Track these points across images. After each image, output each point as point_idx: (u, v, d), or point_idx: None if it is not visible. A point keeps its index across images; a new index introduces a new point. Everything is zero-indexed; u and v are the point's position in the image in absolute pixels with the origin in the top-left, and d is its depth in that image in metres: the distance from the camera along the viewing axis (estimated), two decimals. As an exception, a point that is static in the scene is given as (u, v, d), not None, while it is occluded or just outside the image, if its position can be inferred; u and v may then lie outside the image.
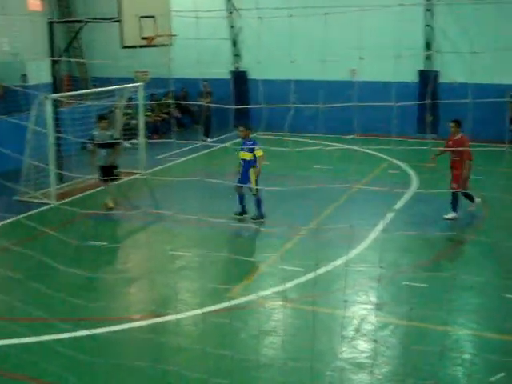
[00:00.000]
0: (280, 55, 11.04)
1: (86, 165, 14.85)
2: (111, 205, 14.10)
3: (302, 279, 9.82)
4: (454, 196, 12.63)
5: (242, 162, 13.01)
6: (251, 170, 12.86)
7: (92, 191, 15.40)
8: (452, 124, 12.78)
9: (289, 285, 9.59)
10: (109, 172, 14.00)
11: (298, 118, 12.57)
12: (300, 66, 11.13)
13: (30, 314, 8.35)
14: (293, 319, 8.97)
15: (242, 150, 13.07)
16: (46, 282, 8.52)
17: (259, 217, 12.71)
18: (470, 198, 13.03)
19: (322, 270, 10.03)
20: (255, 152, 12.86)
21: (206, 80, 22.04)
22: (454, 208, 12.70)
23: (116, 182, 14.65)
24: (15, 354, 7.75)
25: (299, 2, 8.03)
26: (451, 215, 12.70)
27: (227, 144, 18.69)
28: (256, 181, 12.84)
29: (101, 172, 14.24)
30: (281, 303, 9.19)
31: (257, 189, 12.68)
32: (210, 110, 22.01)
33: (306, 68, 13.80)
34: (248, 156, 12.94)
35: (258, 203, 12.88)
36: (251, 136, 13.27)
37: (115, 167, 14.41)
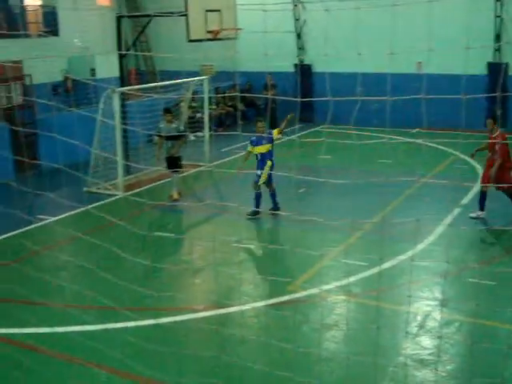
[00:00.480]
0: (345, 48, 11.00)
1: (152, 157, 15.11)
2: (176, 196, 14.35)
3: (366, 273, 9.75)
4: (482, 194, 12.24)
5: (258, 156, 13.00)
6: (268, 164, 12.83)
7: (158, 183, 15.68)
8: (489, 121, 12.30)
9: (352, 279, 9.53)
10: (173, 163, 14.28)
11: (363, 112, 12.44)
12: (365, 59, 11.05)
13: (98, 302, 8.57)
14: (356, 313, 8.92)
15: (259, 144, 13.00)
16: (114, 271, 8.71)
17: (255, 213, 12.72)
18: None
19: (386, 265, 9.93)
20: (274, 133, 13.08)
21: (270, 73, 22.08)
22: (482, 207, 12.27)
23: (180, 174, 14.90)
24: (82, 340, 7.96)
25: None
26: (477, 213, 12.28)
27: (294, 136, 18.64)
28: (266, 176, 12.84)
29: (167, 163, 14.54)
30: (344, 297, 9.16)
31: (259, 185, 12.73)
32: (275, 103, 22.06)
33: (371, 61, 13.64)
34: (266, 148, 12.95)
35: (257, 199, 12.89)
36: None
37: (179, 159, 14.69)
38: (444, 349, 7.78)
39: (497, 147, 11.76)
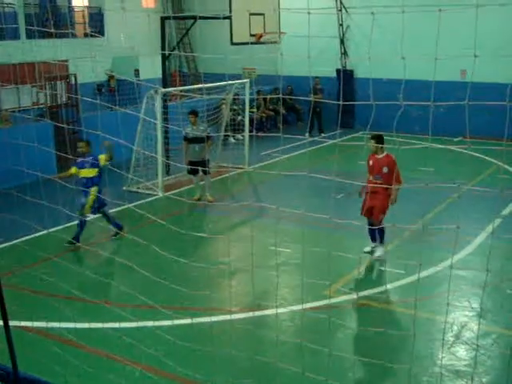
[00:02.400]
0: (388, 54, 10.95)
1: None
2: (210, 198, 14.41)
3: (403, 281, 9.68)
4: None
5: (84, 181, 11.76)
6: (93, 189, 11.74)
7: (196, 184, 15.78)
8: None
9: (389, 286, 9.48)
10: (201, 166, 14.26)
11: (404, 119, 12.38)
12: (408, 65, 10.96)
13: (135, 299, 8.67)
14: (391, 321, 8.86)
15: (83, 167, 11.78)
16: (152, 269, 8.80)
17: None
18: None
19: (424, 273, 9.85)
20: (100, 159, 11.70)
21: (317, 77, 22.10)
22: None
23: (209, 178, 14.86)
24: (118, 337, 8.07)
25: None
26: None
27: (336, 141, 18.59)
28: (94, 200, 11.79)
29: (190, 166, 14.59)
30: (380, 304, 9.11)
31: (84, 212, 11.77)
32: (320, 107, 22.08)
33: (414, 67, 13.53)
34: (91, 173, 11.75)
35: (81, 226, 11.82)
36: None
37: (206, 162, 14.65)
38: (480, 360, 7.69)
39: None
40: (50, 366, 7.32)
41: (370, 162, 11.02)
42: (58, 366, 7.29)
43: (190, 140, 14.49)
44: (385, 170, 10.70)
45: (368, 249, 11.06)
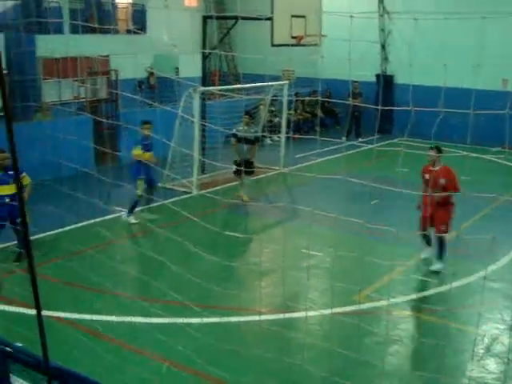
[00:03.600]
0: (429, 60, 10.86)
1: (228, 158, 15.28)
2: (246, 198, 14.48)
3: (435, 290, 9.59)
4: None
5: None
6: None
7: (232, 184, 15.83)
8: None
9: (420, 295, 9.40)
10: (245, 166, 14.36)
11: (443, 126, 12.22)
12: (449, 73, 10.86)
13: (165, 295, 8.74)
14: (421, 330, 8.78)
15: (3, 183, 10.42)
16: (184, 266, 8.86)
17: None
18: None
19: (456, 283, 9.74)
20: (23, 179, 10.36)
21: (356, 81, 22.01)
22: None
23: (250, 178, 15.01)
24: (147, 332, 8.15)
25: (454, 6, 7.84)
26: None
27: (373, 146, 18.48)
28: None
29: (237, 166, 14.64)
30: (410, 312, 9.03)
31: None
32: (359, 111, 21.98)
33: (455, 75, 13.42)
34: (10, 190, 10.35)
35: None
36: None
37: (252, 163, 14.79)
38: (511, 375, 7.57)
39: None
40: (79, 356, 7.42)
41: (426, 176, 10.80)
42: (87, 358, 7.39)
43: (240, 139, 14.67)
44: (442, 181, 10.52)
45: (425, 255, 10.89)
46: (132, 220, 12.72)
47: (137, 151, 12.57)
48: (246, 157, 14.72)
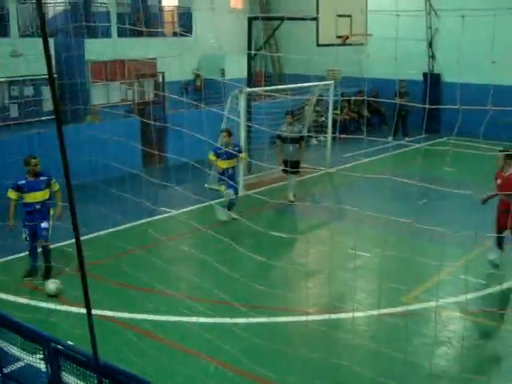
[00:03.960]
0: (478, 58, 10.69)
1: (274, 158, 15.30)
2: (292, 198, 14.49)
3: (485, 292, 9.44)
4: None
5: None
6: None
7: (277, 184, 15.85)
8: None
9: (469, 296, 9.24)
10: (292, 167, 14.36)
11: (492, 125, 12.00)
12: (498, 71, 10.67)
13: (213, 295, 8.81)
14: (470, 332, 8.65)
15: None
16: (231, 266, 8.92)
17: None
18: None
19: (506, 285, 9.56)
20: (53, 185, 10.37)
21: (403, 80, 21.79)
22: None
23: (297, 178, 15.01)
24: (195, 331, 8.22)
25: (503, 1, 7.69)
26: None
27: (421, 145, 18.26)
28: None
29: (284, 166, 14.69)
30: (459, 314, 8.90)
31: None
32: (405, 110, 21.75)
33: (504, 73, 13.19)
34: (40, 196, 10.29)
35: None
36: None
37: (298, 162, 14.78)
38: None
39: None
40: (128, 355, 7.53)
41: (498, 181, 10.63)
42: (136, 356, 7.49)
43: (284, 139, 14.69)
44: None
45: (493, 257, 10.68)
46: (223, 217, 13.15)
47: (211, 156, 13.41)
48: (293, 157, 14.66)
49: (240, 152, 13.61)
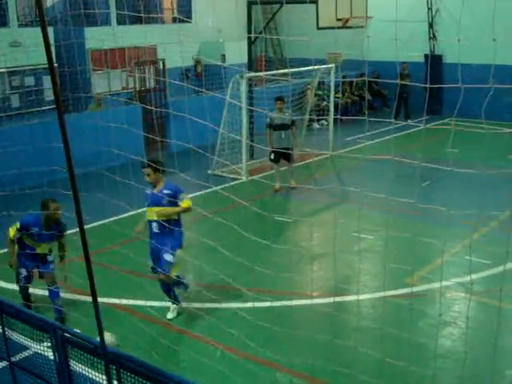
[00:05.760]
0: (478, 38, 10.65)
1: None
2: (294, 184, 14.38)
3: (489, 272, 9.46)
4: None
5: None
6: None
7: (281, 169, 15.83)
8: None
9: (474, 276, 9.27)
10: (283, 154, 14.15)
11: (494, 106, 11.95)
12: (500, 50, 10.64)
13: (218, 280, 8.85)
14: (475, 312, 8.68)
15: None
16: (236, 251, 8.93)
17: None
18: None
19: (511, 265, 9.57)
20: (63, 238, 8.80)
21: (405, 62, 21.71)
22: None
23: (291, 165, 14.76)
24: (201, 316, 8.26)
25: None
26: None
27: (422, 126, 18.24)
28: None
29: (273, 154, 14.40)
30: (464, 294, 8.93)
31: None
32: (407, 93, 21.69)
33: (506, 52, 13.12)
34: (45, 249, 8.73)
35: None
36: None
37: (290, 149, 14.46)
38: None
39: None
40: (135, 341, 7.58)
41: None
42: (143, 342, 7.55)
43: (276, 127, 14.36)
44: None
45: None
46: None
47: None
48: (285, 144, 14.27)
49: (177, 199, 8.55)
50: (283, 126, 14.30)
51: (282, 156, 14.28)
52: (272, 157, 14.52)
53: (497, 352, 6.98)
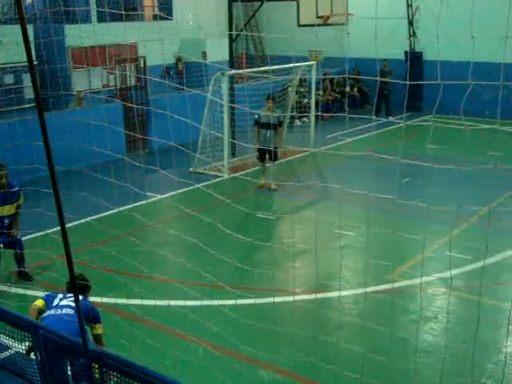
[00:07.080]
0: (458, 36, 10.75)
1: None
2: (274, 186, 14.27)
3: (469, 267, 9.55)
4: None
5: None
6: None
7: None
8: None
9: (454, 272, 9.36)
10: (269, 152, 14.08)
11: (474, 102, 12.06)
12: (479, 47, 10.73)
13: (201, 278, 8.85)
14: (456, 307, 8.76)
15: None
16: (217, 248, 8.94)
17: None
18: None
19: (490, 260, 9.68)
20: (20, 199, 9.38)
21: (385, 59, 21.80)
22: None
23: (274, 163, 14.71)
24: (183, 314, 8.25)
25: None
26: None
27: (403, 123, 18.34)
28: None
29: (259, 152, 14.40)
30: (444, 290, 9.01)
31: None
32: (388, 90, 21.78)
33: (485, 49, 13.21)
34: (7, 210, 9.33)
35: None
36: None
37: (275, 149, 14.27)
38: (548, 349, 7.54)
39: None
40: (117, 340, 7.55)
41: None
42: (125, 341, 7.52)
43: (263, 125, 14.25)
44: None
45: None
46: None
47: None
48: (270, 144, 14.07)
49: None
50: (270, 125, 14.19)
51: (268, 154, 14.25)
52: (257, 156, 14.52)
53: (477, 346, 7.05)
